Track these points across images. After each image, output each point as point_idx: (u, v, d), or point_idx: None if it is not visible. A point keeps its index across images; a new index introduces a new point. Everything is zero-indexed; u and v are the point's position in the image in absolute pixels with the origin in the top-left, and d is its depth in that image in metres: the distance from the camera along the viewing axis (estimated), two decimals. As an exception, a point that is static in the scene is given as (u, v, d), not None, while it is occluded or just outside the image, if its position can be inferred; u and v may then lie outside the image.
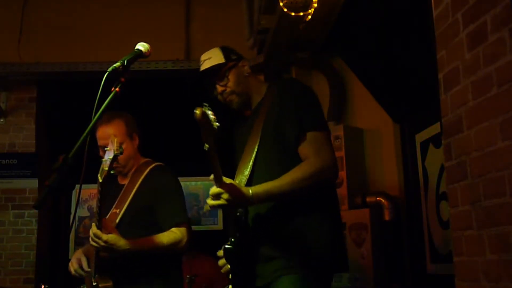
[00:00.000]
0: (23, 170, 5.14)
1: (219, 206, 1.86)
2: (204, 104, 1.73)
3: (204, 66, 2.26)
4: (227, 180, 1.86)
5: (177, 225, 2.59)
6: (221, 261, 2.05)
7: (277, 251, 2.00)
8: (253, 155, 2.11)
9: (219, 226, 5.60)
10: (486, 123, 1.73)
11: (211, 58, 2.25)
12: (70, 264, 2.67)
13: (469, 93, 1.83)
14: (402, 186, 4.00)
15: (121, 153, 2.39)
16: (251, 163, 2.11)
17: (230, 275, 2.01)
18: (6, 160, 5.16)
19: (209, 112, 1.71)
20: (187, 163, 5.12)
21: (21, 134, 5.22)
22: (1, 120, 5.22)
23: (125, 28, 4.94)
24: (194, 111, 1.69)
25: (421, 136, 3.72)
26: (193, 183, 5.60)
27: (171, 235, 2.56)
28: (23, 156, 5.17)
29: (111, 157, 2.34)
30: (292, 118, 2.05)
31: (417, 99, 3.60)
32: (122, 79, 1.84)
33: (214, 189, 1.86)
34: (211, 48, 2.29)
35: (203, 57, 2.29)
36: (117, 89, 1.82)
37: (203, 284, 4.17)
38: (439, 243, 3.42)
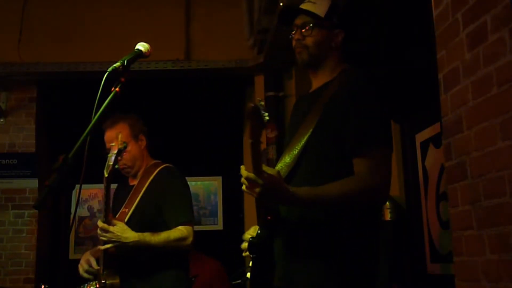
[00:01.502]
0: (23, 170, 5.15)
1: (252, 194, 1.73)
2: (259, 99, 1.68)
3: (304, 5, 2.04)
4: (269, 170, 1.72)
5: (183, 223, 2.67)
6: (244, 245, 1.92)
7: (306, 264, 1.86)
8: (301, 146, 1.92)
9: (219, 226, 5.59)
10: (486, 123, 1.73)
11: (316, 3, 2.03)
12: (79, 265, 2.74)
13: (469, 93, 1.83)
14: (402, 186, 4.00)
15: (125, 147, 2.49)
16: (296, 152, 1.92)
17: (250, 263, 1.90)
18: (6, 160, 5.16)
19: (261, 108, 1.64)
20: (188, 163, 5.12)
21: (21, 134, 5.22)
22: (1, 120, 5.22)
23: (125, 28, 4.94)
24: (248, 105, 1.63)
25: (421, 136, 3.71)
26: (193, 183, 5.58)
27: (177, 232, 2.63)
28: (23, 156, 5.16)
29: (115, 152, 2.46)
30: (357, 125, 1.84)
31: (417, 99, 3.60)
32: (122, 79, 1.84)
33: (251, 175, 1.70)
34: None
35: None
36: (117, 89, 1.82)
37: (203, 284, 4.17)
38: (439, 243, 3.42)
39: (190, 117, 5.37)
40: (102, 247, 2.53)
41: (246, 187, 1.74)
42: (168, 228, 2.66)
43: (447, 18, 1.98)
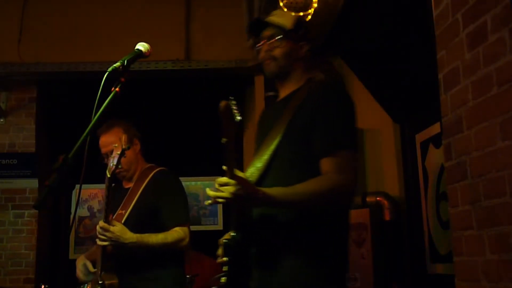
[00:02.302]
0: (23, 170, 5.15)
1: (222, 198, 1.74)
2: (230, 97, 1.69)
3: (270, 19, 2.14)
4: (238, 173, 1.75)
5: (180, 224, 2.70)
6: (220, 251, 1.94)
7: (279, 264, 1.89)
8: (271, 150, 1.96)
9: (219, 226, 5.59)
10: (486, 123, 1.73)
11: (283, 17, 2.15)
12: (77, 272, 2.79)
13: (469, 93, 1.83)
14: (402, 186, 4.00)
15: (128, 147, 2.51)
16: (266, 157, 1.97)
17: (225, 267, 1.90)
18: (6, 160, 5.16)
19: (233, 106, 1.66)
20: (187, 163, 5.13)
21: (21, 134, 5.22)
22: (1, 120, 5.22)
23: (125, 28, 4.94)
24: (219, 103, 1.65)
25: (421, 136, 3.72)
26: (193, 183, 5.60)
27: (175, 233, 2.67)
28: (23, 156, 5.17)
29: (118, 152, 2.46)
30: (324, 130, 1.90)
31: (417, 99, 3.60)
32: (122, 79, 1.84)
33: (223, 178, 1.73)
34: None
35: (276, 11, 2.17)
36: (117, 89, 1.82)
37: (203, 284, 4.17)
38: (439, 243, 3.42)
39: (190, 117, 5.36)
40: (100, 243, 2.57)
41: (215, 191, 1.75)
42: (165, 229, 2.68)
43: (447, 18, 1.98)
